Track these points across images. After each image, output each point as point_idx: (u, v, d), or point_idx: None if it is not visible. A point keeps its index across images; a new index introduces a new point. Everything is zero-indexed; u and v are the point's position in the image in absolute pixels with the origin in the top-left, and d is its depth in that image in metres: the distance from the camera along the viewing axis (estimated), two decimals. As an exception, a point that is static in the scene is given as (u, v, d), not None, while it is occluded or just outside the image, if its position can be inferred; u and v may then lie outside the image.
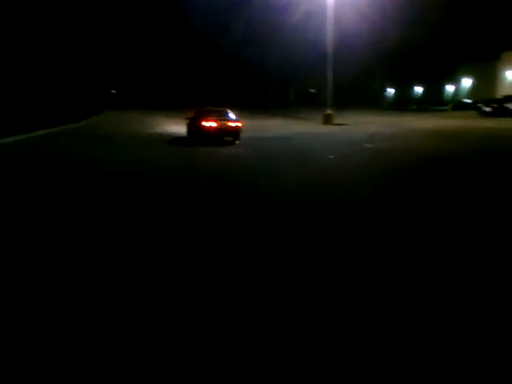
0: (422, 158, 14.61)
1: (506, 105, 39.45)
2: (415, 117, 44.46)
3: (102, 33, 66.90)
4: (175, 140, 22.10)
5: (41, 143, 20.17)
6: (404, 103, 78.10)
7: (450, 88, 77.04)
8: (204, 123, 19.35)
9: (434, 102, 70.80)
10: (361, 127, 30.36)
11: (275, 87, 75.97)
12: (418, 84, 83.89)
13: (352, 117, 40.65)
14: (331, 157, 15.32)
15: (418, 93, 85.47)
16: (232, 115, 20.79)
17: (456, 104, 61.20)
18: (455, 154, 15.46)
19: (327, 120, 34.93)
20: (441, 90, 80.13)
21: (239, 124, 20.06)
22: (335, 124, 33.62)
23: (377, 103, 75.89)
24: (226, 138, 19.34)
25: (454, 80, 74.53)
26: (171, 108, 49.10)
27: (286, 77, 72.75)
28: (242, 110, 58.81)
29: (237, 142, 19.62)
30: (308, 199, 8.59)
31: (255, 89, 75.69)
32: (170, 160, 15.26)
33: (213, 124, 19.28)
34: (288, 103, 70.32)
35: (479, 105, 44.82)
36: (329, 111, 35.59)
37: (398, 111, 59.89)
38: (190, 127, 21.36)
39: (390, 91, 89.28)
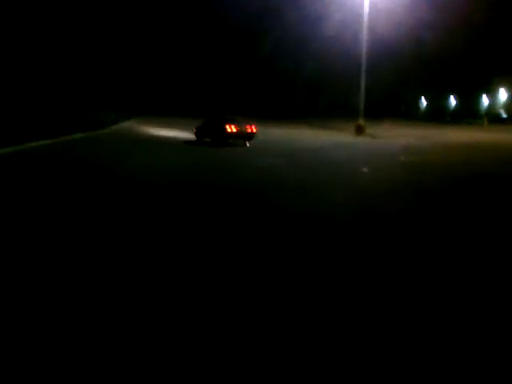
0: (460, 174, 13.83)
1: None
2: (449, 129, 43.27)
3: (126, 38, 67.26)
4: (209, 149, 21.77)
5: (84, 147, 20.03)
6: (438, 114, 76.54)
7: (485, 100, 75.27)
8: (227, 127, 22.86)
9: (468, 114, 69.29)
10: (394, 139, 29.57)
11: (305, 95, 75.31)
12: (453, 95, 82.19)
13: (384, 128, 39.81)
14: (365, 170, 14.68)
15: (452, 104, 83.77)
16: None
17: (492, 117, 59.52)
18: (495, 171, 14.64)
19: (359, 131, 34.14)
20: (476, 101, 78.37)
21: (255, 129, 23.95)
22: (367, 135, 32.84)
23: (410, 114, 74.59)
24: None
25: (490, 92, 72.76)
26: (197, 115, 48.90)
27: (317, 85, 72.04)
28: (270, 118, 59.02)
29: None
30: (346, 219, 7.98)
31: (285, 97, 75.11)
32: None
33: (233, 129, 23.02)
34: (318, 112, 69.65)
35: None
36: (361, 121, 34.80)
37: (431, 123, 58.66)
38: (204, 132, 24.84)
39: (423, 102, 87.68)
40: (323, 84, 70.86)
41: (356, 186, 11.58)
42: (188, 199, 9.17)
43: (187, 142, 24.10)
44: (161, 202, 8.84)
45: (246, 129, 23.44)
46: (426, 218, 8.00)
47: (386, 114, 61.85)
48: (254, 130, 23.75)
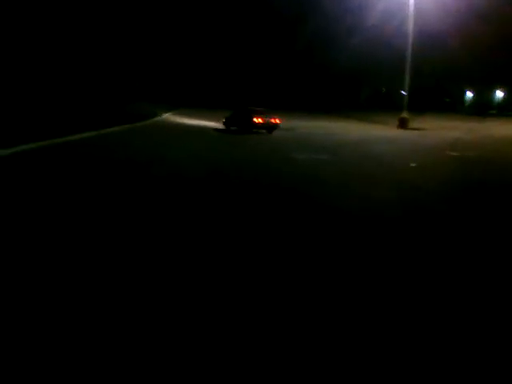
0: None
1: None
2: (497, 123, 41.44)
3: (169, 30, 67.13)
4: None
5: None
6: (483, 107, 73.86)
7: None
8: (254, 119, 25.74)
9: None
10: (440, 133, 28.39)
11: (346, 88, 73.55)
12: (500, 87, 79.12)
13: (429, 121, 38.49)
14: (413, 165, 13.86)
15: (498, 97, 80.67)
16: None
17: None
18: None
19: (403, 124, 33.00)
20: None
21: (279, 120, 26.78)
22: (411, 128, 31.70)
23: (454, 107, 72.13)
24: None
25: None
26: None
27: (358, 77, 70.22)
28: (310, 111, 58.02)
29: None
30: (406, 221, 7.32)
31: (325, 89, 73.48)
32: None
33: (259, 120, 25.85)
34: (359, 105, 67.87)
35: None
36: (404, 114, 33.61)
37: (477, 116, 56.57)
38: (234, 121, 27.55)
39: (469, 94, 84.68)
40: (365, 76, 68.92)
41: (406, 182, 10.85)
42: (235, 198, 8.68)
43: (225, 133, 23.79)
44: (202, 195, 8.39)
45: (270, 120, 26.14)
46: (495, 222, 7.26)
47: (430, 106, 59.87)
48: (278, 122, 26.49)
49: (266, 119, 26.07)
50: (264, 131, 25.89)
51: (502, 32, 48.97)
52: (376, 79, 68.47)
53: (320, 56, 66.76)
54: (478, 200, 8.89)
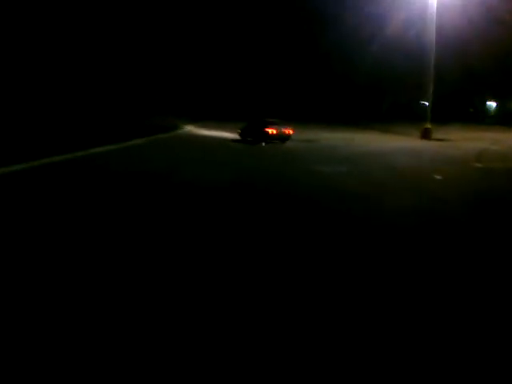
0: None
1: None
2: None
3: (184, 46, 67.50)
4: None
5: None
6: (506, 118, 72.58)
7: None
8: (268, 130, 26.73)
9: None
10: (464, 144, 27.74)
11: (367, 98, 72.74)
12: (524, 97, 77.73)
13: (452, 132, 37.83)
14: (438, 177, 13.41)
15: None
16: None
17: None
18: None
19: (426, 135, 32.41)
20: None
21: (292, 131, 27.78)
22: (435, 139, 31.10)
23: (478, 117, 70.97)
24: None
25: None
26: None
27: (380, 87, 69.41)
28: (331, 122, 57.62)
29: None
30: (435, 238, 6.95)
31: (346, 100, 72.72)
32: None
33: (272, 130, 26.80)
34: (381, 115, 67.03)
35: None
36: (428, 125, 33.05)
37: (501, 126, 55.53)
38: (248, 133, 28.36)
39: (492, 104, 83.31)
40: (386, 86, 68.07)
41: (432, 195, 10.44)
42: (256, 209, 8.41)
43: (243, 143, 23.55)
44: (223, 203, 8.14)
45: (283, 131, 27.05)
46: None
47: (453, 116, 58.95)
48: (291, 132, 27.51)
49: (279, 130, 26.94)
50: (277, 142, 26.43)
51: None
52: (397, 89, 67.62)
53: (340, 65, 66.22)
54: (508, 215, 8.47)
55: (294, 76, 72.62)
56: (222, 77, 75.02)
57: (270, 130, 26.61)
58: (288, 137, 27.13)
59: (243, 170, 14.70)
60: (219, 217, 7.70)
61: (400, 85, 63.60)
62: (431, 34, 32.59)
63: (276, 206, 8.84)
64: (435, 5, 31.91)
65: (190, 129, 40.70)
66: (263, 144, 25.63)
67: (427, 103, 34.49)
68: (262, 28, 71.13)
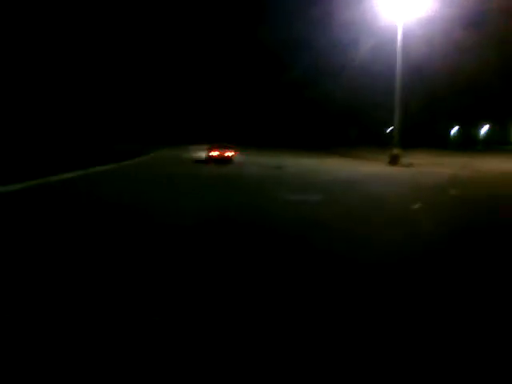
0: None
1: None
2: (486, 158, 41.16)
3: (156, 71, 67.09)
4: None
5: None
6: (468, 143, 74.38)
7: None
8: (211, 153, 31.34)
9: (499, 142, 67.89)
10: (432, 169, 27.68)
11: (336, 124, 73.32)
12: (484, 123, 79.97)
13: (418, 157, 38.00)
14: (415, 206, 12.84)
15: (483, 132, 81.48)
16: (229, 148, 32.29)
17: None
18: None
19: (394, 160, 32.32)
20: (508, 130, 76.42)
21: (233, 153, 31.93)
22: (403, 165, 30.98)
23: (441, 143, 72.28)
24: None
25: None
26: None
27: (348, 113, 70.08)
28: (300, 148, 57.47)
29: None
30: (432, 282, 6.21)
31: (315, 125, 73.04)
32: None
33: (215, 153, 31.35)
34: (350, 142, 67.37)
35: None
36: (395, 151, 32.99)
37: (463, 151, 56.59)
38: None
39: (454, 130, 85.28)
40: (354, 112, 68.77)
41: (412, 227, 9.81)
42: (221, 241, 7.53)
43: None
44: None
45: (224, 154, 31.16)
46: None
47: (418, 142, 59.80)
48: (231, 155, 31.45)
49: (221, 153, 31.17)
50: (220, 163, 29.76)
51: (486, 67, 49.33)
52: (365, 116, 68.40)
53: (310, 91, 66.66)
54: (498, 248, 7.85)
55: (264, 102, 72.82)
56: (197, 104, 74.77)
57: (213, 153, 31.08)
58: (228, 160, 30.90)
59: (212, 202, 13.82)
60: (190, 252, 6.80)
61: (368, 111, 64.38)
62: (398, 61, 32.80)
63: (248, 240, 8.00)
64: (401, 32, 32.22)
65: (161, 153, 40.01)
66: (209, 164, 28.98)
67: (390, 129, 34.61)
68: (236, 56, 71.49)
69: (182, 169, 26.67)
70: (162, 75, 70.40)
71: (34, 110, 36.33)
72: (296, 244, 7.94)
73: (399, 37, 32.35)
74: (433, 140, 72.22)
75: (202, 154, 34.12)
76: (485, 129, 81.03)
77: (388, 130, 60.81)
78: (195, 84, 73.95)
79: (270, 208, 12.19)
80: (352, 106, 65.32)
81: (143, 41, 65.38)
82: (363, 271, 6.33)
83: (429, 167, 29.27)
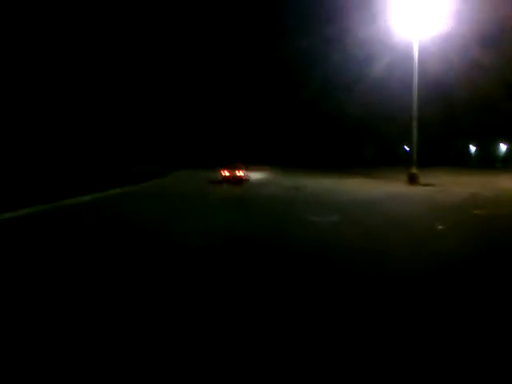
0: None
1: None
2: (506, 176, 40.47)
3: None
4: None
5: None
6: (487, 161, 73.57)
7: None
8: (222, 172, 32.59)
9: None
10: (453, 188, 27.16)
11: (352, 144, 72.83)
12: (503, 141, 79.10)
13: (437, 176, 37.53)
14: (440, 227, 12.47)
15: (502, 150, 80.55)
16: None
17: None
18: None
19: (413, 180, 31.86)
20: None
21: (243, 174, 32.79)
22: (422, 185, 30.50)
23: (460, 161, 71.53)
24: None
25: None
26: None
27: (364, 133, 69.65)
28: (315, 167, 57.10)
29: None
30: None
31: (332, 144, 72.56)
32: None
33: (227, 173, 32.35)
34: (365, 161, 66.76)
35: None
36: (414, 170, 32.54)
37: (482, 169, 55.85)
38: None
39: (473, 148, 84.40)
40: (369, 129, 68.22)
41: (440, 249, 9.47)
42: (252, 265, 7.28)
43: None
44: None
45: (235, 174, 32.02)
46: None
47: (436, 161, 59.20)
48: (243, 175, 32.46)
49: (232, 173, 32.04)
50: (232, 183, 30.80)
51: (503, 83, 48.81)
52: (380, 134, 67.89)
53: (326, 106, 66.30)
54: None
55: (280, 120, 72.78)
56: (213, 123, 75.07)
57: (223, 173, 32.25)
58: (240, 179, 31.84)
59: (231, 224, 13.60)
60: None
61: (384, 129, 63.96)
62: (414, 78, 32.59)
63: (271, 262, 7.74)
64: (417, 49, 32.10)
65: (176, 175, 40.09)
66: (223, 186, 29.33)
67: (408, 148, 34.21)
68: (252, 74, 71.88)
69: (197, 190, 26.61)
70: (180, 95, 71.00)
71: (50, 131, 36.68)
72: (314, 264, 7.67)
73: (415, 53, 32.24)
74: (450, 158, 71.55)
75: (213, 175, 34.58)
76: (503, 146, 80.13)
77: (405, 148, 60.47)
78: (212, 103, 74.41)
79: (289, 228, 11.97)
80: (368, 122, 64.95)
81: (161, 60, 66.18)
82: (400, 292, 6.03)
83: (449, 186, 28.77)
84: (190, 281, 6.73)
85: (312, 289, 6.39)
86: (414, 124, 33.32)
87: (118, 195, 22.28)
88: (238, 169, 32.53)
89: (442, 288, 6.54)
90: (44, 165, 27.15)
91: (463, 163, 71.25)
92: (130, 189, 25.68)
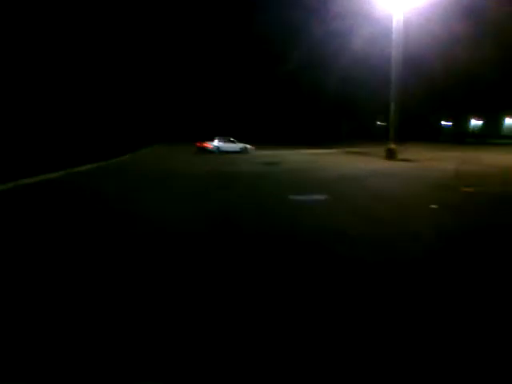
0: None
1: None
2: (481, 151, 40.51)
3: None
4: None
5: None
6: (460, 136, 74.10)
7: (509, 122, 72.99)
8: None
9: (490, 135, 68.05)
10: (432, 164, 26.77)
11: (329, 120, 72.12)
12: (476, 117, 79.70)
13: (413, 151, 37.29)
14: (433, 206, 11.82)
15: (474, 126, 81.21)
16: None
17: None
18: None
19: (391, 155, 31.45)
20: (499, 123, 76.21)
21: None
22: (400, 160, 30.07)
23: (432, 136, 71.78)
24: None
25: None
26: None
27: (342, 109, 68.94)
28: (294, 142, 56.37)
29: None
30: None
31: (311, 120, 71.72)
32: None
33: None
34: (341, 137, 66.23)
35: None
36: (392, 145, 32.08)
37: (455, 144, 56.19)
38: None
39: (445, 123, 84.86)
40: (347, 105, 67.49)
41: (443, 231, 8.81)
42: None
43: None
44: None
45: (204, 145, 40.44)
46: None
47: (409, 136, 59.20)
48: (210, 146, 40.29)
49: (202, 144, 40.71)
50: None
51: (480, 59, 48.49)
52: (359, 110, 67.23)
53: (305, 82, 65.41)
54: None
55: (258, 96, 71.62)
56: (189, 98, 73.56)
57: (198, 145, 41.06)
58: (207, 148, 39.99)
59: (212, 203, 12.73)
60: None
61: (363, 105, 63.39)
62: (396, 52, 31.84)
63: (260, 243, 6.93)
64: (399, 25, 31.26)
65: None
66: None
67: (383, 123, 33.75)
68: (228, 50, 70.32)
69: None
70: (157, 71, 69.20)
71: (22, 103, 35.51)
72: (292, 246, 6.88)
73: (397, 26, 31.41)
74: (424, 133, 71.75)
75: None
76: (476, 122, 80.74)
77: (378, 123, 60.18)
78: (189, 81, 72.78)
79: (275, 209, 11.15)
80: (346, 98, 64.18)
81: (140, 38, 64.18)
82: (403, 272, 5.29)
83: (427, 162, 28.40)
84: (164, 264, 5.89)
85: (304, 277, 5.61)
86: (392, 99, 32.73)
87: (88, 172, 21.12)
88: (207, 143, 40.77)
89: (451, 271, 5.84)
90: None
91: (435, 139, 71.69)
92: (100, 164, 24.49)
